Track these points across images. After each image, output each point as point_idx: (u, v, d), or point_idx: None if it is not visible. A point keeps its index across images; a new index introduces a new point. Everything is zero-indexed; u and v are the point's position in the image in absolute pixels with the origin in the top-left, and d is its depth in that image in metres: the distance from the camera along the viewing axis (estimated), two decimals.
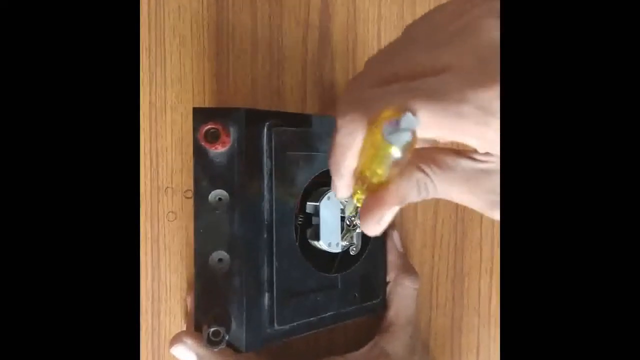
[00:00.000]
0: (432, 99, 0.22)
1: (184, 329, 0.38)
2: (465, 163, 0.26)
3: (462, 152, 0.26)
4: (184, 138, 0.40)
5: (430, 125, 0.22)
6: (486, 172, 0.25)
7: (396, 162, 0.23)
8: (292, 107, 0.42)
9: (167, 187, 0.40)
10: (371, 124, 0.23)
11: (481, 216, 0.46)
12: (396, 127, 0.21)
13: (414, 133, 0.21)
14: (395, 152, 0.22)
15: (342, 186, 0.27)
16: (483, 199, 0.26)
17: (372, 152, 0.23)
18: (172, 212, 0.40)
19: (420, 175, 0.26)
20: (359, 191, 0.28)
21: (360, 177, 0.26)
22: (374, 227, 0.27)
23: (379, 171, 0.24)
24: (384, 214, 0.27)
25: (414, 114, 0.21)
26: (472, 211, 0.46)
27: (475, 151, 0.25)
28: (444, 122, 0.22)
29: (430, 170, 0.26)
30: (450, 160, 0.26)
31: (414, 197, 0.26)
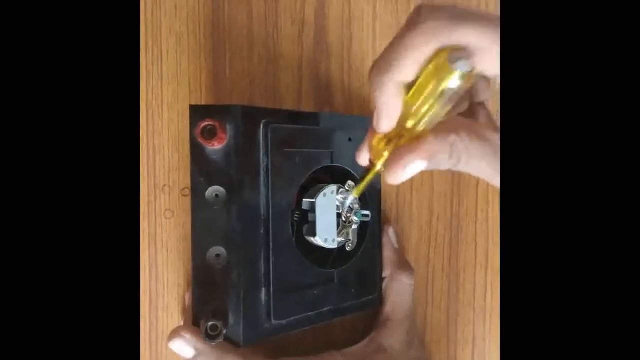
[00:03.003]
0: None
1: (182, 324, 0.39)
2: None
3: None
4: (180, 136, 0.40)
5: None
6: None
7: (449, 99, 0.24)
8: (288, 105, 0.42)
9: (165, 185, 0.40)
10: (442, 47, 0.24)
11: (476, 212, 0.47)
12: (461, 54, 0.23)
13: (473, 67, 0.23)
14: (454, 80, 0.23)
15: (390, 89, 0.26)
16: None
17: (431, 76, 0.24)
18: (169, 209, 0.40)
19: (456, 139, 0.26)
20: (385, 153, 0.28)
21: (398, 130, 0.27)
22: (399, 174, 0.27)
23: (429, 105, 0.25)
24: (411, 162, 0.27)
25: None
26: (467, 207, 0.47)
27: None
28: None
29: (468, 138, 0.26)
30: (489, 133, 0.27)
31: (444, 158, 0.27)
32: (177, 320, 0.40)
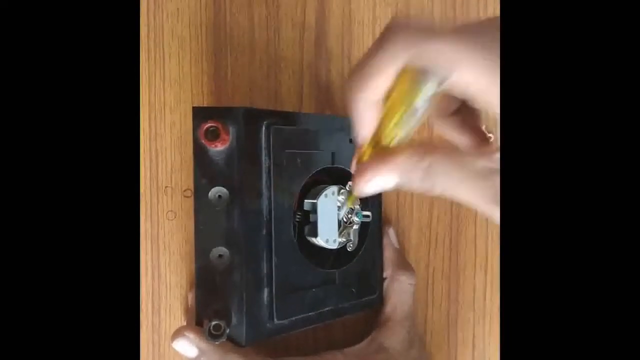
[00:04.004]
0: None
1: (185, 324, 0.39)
2: (482, 163, 0.25)
3: (482, 152, 0.26)
4: (183, 138, 0.40)
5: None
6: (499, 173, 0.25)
7: (421, 112, 0.24)
8: (289, 108, 0.43)
9: (167, 186, 0.40)
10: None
11: (476, 213, 0.47)
12: (430, 70, 0.22)
13: (444, 80, 0.22)
14: (425, 93, 0.23)
15: (363, 105, 0.25)
16: (489, 198, 0.25)
17: (401, 92, 0.24)
18: (171, 211, 0.40)
19: (432, 161, 0.25)
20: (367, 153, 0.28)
21: (374, 140, 0.27)
22: (362, 185, 0.26)
23: (402, 117, 0.25)
24: (377, 176, 0.26)
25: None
26: (467, 208, 0.47)
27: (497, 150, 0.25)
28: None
29: (444, 161, 0.25)
30: (469, 159, 0.25)
31: (416, 180, 0.25)
32: (179, 321, 0.40)
